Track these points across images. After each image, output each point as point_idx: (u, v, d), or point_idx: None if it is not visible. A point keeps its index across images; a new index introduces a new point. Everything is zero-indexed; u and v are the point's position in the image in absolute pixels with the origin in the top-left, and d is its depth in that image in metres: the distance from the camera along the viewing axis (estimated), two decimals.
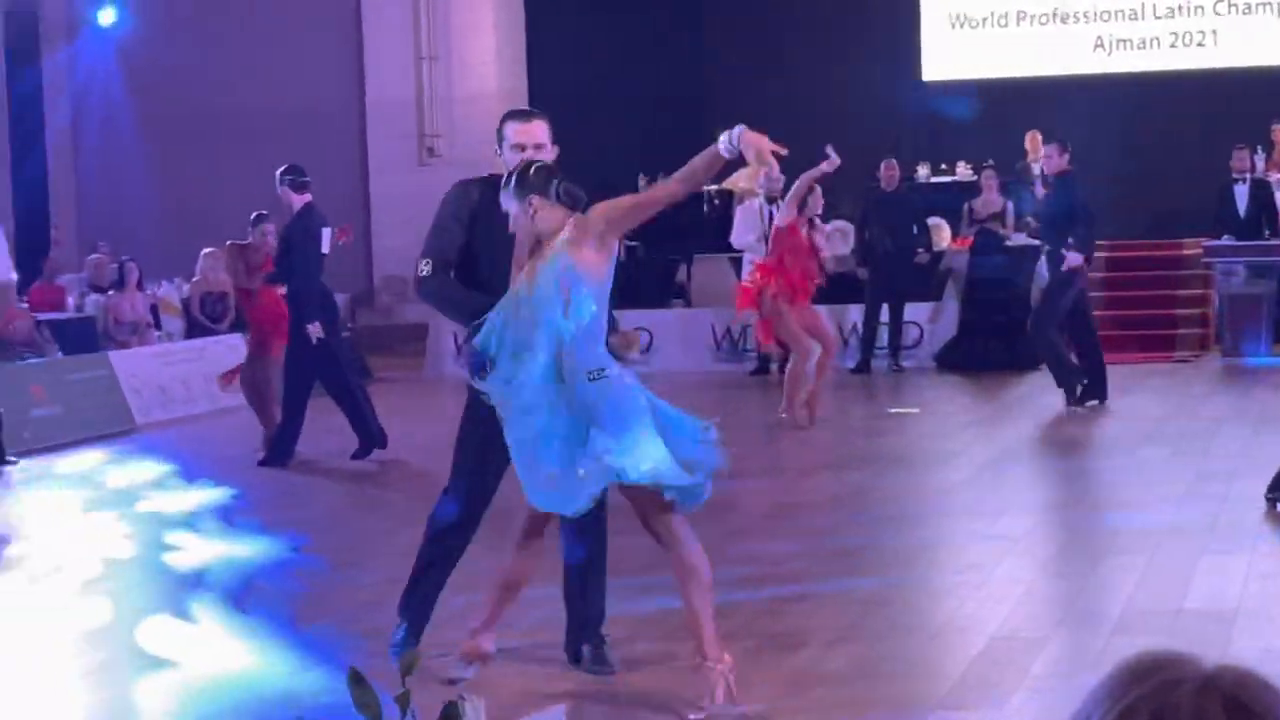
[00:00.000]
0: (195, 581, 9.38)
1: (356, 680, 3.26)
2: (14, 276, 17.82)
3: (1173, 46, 22.62)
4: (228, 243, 15.14)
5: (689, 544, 6.40)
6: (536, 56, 23.52)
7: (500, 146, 6.96)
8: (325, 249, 13.01)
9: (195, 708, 6.96)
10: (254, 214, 14.64)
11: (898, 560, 9.21)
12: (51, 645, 8.08)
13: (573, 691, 6.77)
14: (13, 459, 14.11)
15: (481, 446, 6.82)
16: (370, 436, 13.45)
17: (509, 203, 6.40)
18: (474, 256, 6.88)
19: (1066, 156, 14.85)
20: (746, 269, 18.88)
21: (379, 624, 7.60)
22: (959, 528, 10.19)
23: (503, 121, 6.97)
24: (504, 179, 6.47)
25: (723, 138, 6.26)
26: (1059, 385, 14.86)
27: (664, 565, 6.59)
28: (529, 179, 6.34)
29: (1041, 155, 17.10)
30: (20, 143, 23.88)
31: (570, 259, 6.26)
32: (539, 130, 6.93)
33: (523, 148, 6.81)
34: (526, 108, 7.58)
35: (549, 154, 6.90)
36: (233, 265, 15.00)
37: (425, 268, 6.90)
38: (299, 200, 12.86)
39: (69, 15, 24.73)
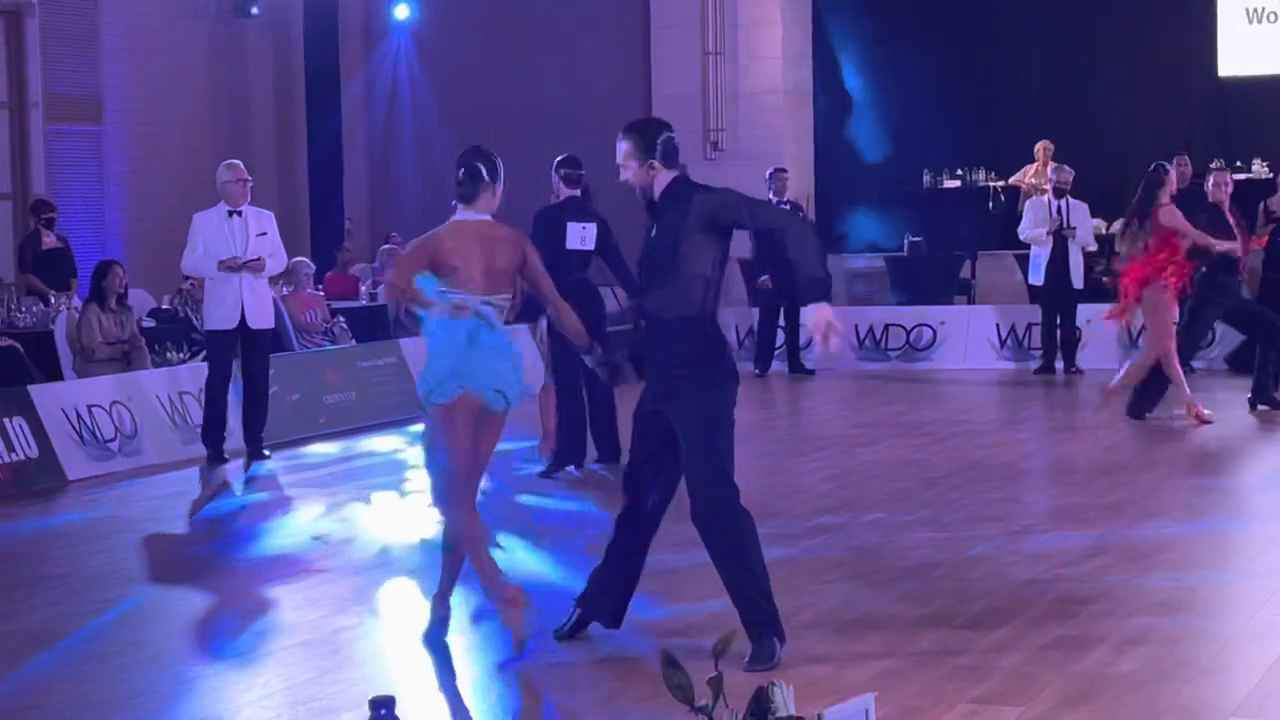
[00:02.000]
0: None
1: (669, 662, 3.31)
2: (307, 266, 18.28)
3: None
4: None
5: None
6: (822, 52, 23.48)
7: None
8: (572, 244, 12.69)
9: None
10: None
11: (1191, 563, 9.04)
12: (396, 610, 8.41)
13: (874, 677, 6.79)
14: (267, 451, 14.11)
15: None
16: (566, 449, 12.71)
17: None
18: None
19: None
20: (1034, 265, 18.65)
21: (683, 600, 7.76)
22: (1255, 531, 9.96)
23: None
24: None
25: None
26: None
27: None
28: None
29: None
30: (315, 135, 24.55)
31: None
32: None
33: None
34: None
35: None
36: None
37: None
38: (566, 193, 12.88)
39: (366, 10, 25.36)
